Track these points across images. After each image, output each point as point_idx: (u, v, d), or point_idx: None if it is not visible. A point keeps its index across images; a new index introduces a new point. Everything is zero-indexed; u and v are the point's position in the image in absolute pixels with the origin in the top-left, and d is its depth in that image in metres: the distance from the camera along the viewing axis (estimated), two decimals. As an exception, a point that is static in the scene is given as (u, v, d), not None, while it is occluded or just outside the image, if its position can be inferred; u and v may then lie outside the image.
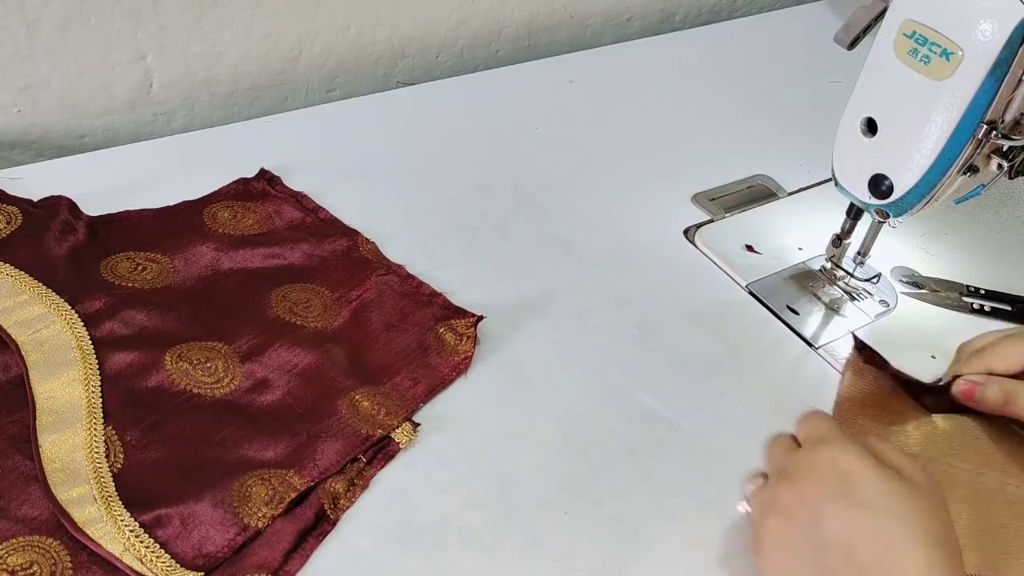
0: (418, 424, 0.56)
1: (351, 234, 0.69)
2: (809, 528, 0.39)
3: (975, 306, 0.70)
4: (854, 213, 0.67)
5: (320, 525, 0.50)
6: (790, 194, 0.81)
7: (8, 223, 0.62)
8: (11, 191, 0.66)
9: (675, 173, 0.81)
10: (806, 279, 0.72)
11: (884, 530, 0.37)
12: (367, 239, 0.68)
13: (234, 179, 0.72)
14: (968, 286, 0.72)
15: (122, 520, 0.47)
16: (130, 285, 0.61)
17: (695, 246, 0.74)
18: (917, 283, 0.71)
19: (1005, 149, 0.58)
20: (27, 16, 0.71)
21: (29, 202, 0.65)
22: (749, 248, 0.74)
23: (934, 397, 0.58)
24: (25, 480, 0.49)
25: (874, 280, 0.71)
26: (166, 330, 0.58)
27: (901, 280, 0.72)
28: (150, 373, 0.55)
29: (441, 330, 0.62)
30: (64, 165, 0.72)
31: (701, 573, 0.51)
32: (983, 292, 0.72)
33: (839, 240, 0.69)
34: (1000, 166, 0.58)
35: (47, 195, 0.66)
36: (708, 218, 0.77)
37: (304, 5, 0.83)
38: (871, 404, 0.58)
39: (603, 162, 0.82)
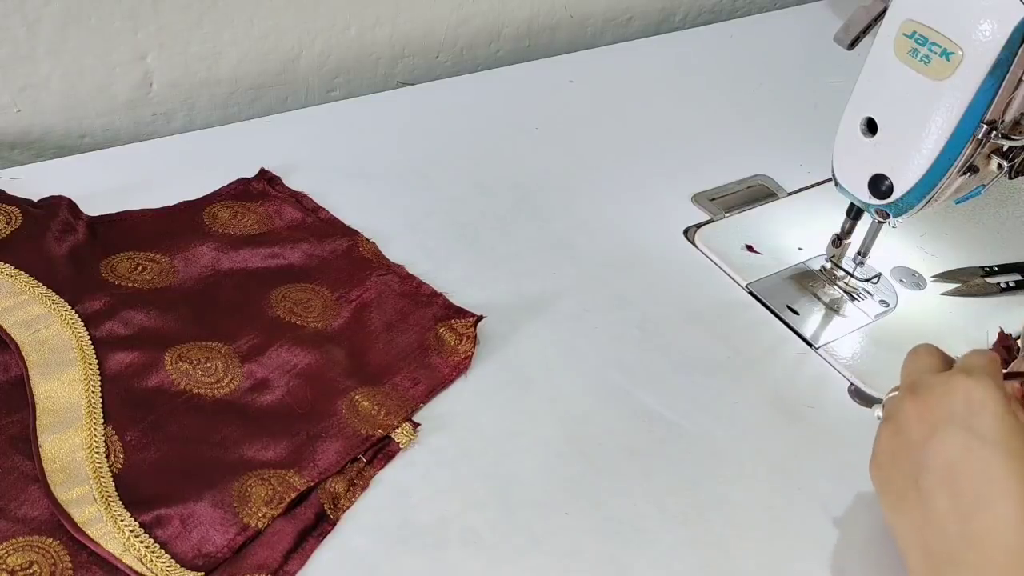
0: (418, 424, 0.56)
1: (351, 234, 0.69)
2: (919, 444, 0.40)
3: (1004, 284, 0.70)
4: (854, 213, 0.67)
5: (320, 525, 0.50)
6: (790, 194, 0.81)
7: (8, 223, 0.62)
8: (11, 191, 0.66)
9: (675, 173, 0.81)
10: (806, 279, 0.72)
11: (993, 464, 0.37)
12: (367, 239, 0.68)
13: (234, 179, 0.72)
14: (983, 267, 0.72)
15: (122, 520, 0.47)
16: (130, 285, 0.61)
17: (695, 246, 0.74)
18: (951, 279, 0.72)
19: (1005, 149, 0.58)
20: (27, 16, 0.71)
21: (29, 202, 0.65)
22: (749, 248, 0.74)
23: None
24: (25, 480, 0.49)
25: (874, 280, 0.71)
26: (166, 330, 0.58)
27: (933, 279, 0.72)
28: (150, 373, 0.55)
29: (441, 330, 0.62)
30: (64, 165, 0.72)
31: (701, 573, 0.51)
32: (997, 268, 0.72)
33: (839, 240, 0.69)
34: (1000, 166, 0.58)
35: (47, 195, 0.66)
36: (708, 218, 0.77)
37: (304, 5, 0.83)
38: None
39: (603, 162, 0.82)
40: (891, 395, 0.47)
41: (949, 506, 0.38)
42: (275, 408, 0.56)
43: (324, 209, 0.70)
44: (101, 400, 0.53)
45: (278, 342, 0.59)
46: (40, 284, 0.59)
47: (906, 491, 0.41)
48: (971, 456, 0.38)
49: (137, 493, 0.49)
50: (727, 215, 0.77)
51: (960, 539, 0.37)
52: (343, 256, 0.67)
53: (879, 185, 0.61)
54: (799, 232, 0.76)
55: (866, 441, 0.57)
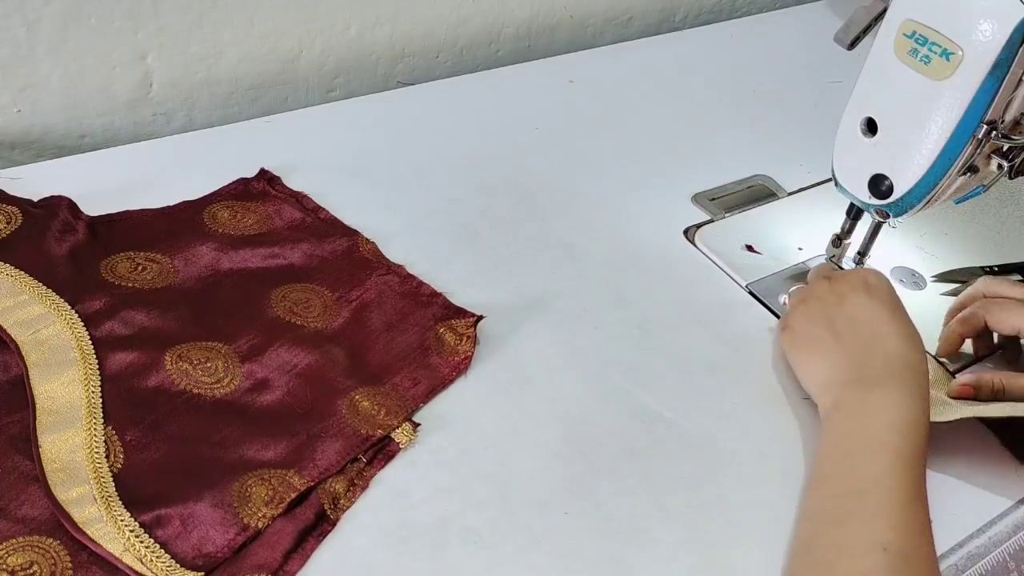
0: (418, 424, 0.56)
1: (351, 234, 0.69)
2: (832, 307, 0.59)
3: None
4: (854, 213, 0.67)
5: (320, 525, 0.50)
6: (790, 194, 0.81)
7: (8, 223, 0.62)
8: (11, 191, 0.66)
9: (675, 173, 0.81)
10: (806, 279, 0.72)
11: (883, 314, 0.58)
12: (367, 239, 0.68)
13: (234, 179, 0.72)
14: (983, 267, 0.72)
15: (122, 520, 0.47)
16: (130, 285, 0.61)
17: (695, 246, 0.74)
18: (951, 279, 0.72)
19: (1005, 149, 0.58)
20: (27, 16, 0.71)
21: (29, 202, 0.65)
22: (749, 248, 0.74)
23: None
24: (25, 480, 0.49)
25: (874, 280, 0.71)
26: (166, 330, 0.58)
27: (932, 279, 0.72)
28: (150, 373, 0.55)
29: (441, 330, 0.62)
30: (64, 165, 0.72)
31: (701, 573, 0.51)
32: (997, 269, 0.72)
33: (839, 240, 0.69)
34: (1000, 166, 0.58)
35: (47, 195, 0.66)
36: (708, 218, 0.77)
37: (304, 5, 0.83)
38: None
39: (603, 162, 0.82)
40: (794, 289, 0.67)
41: (855, 339, 0.57)
42: (275, 408, 0.56)
43: (324, 209, 0.70)
44: (101, 400, 0.53)
45: (278, 342, 0.59)
46: (40, 284, 0.59)
47: (818, 339, 0.59)
48: (870, 308, 0.58)
49: (137, 493, 0.49)
50: (727, 215, 0.77)
51: (865, 356, 0.56)
52: (343, 256, 0.67)
53: (879, 185, 0.61)
54: (799, 232, 0.76)
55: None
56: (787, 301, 0.66)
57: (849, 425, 0.53)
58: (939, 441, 0.56)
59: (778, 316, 0.68)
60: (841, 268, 0.69)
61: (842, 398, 0.55)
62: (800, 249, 0.74)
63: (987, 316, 0.63)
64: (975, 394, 0.59)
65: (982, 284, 0.65)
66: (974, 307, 0.64)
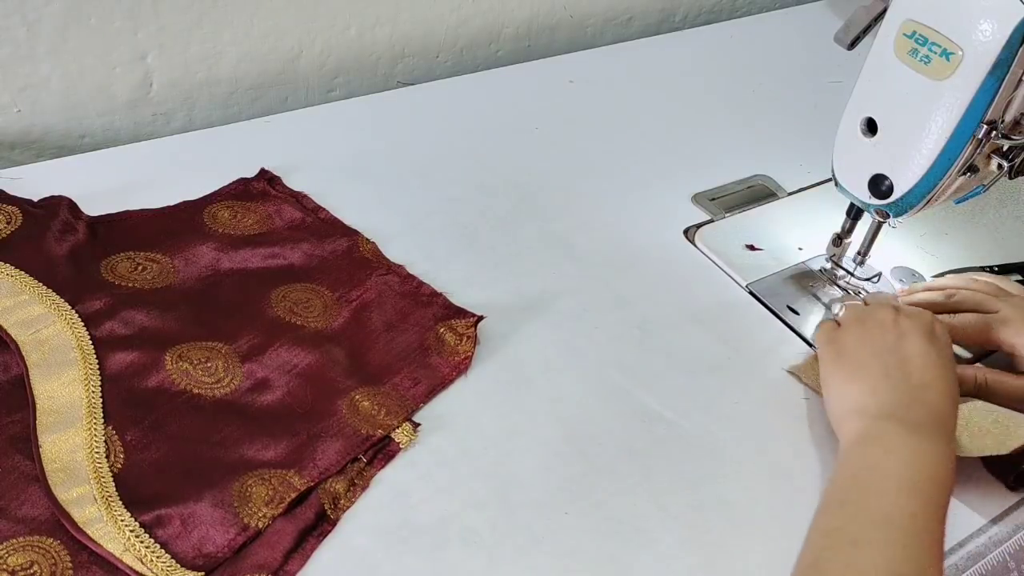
0: (418, 424, 0.56)
1: (351, 234, 0.69)
2: (891, 339, 0.59)
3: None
4: (854, 213, 0.67)
5: (320, 525, 0.50)
6: (790, 194, 0.81)
7: (8, 223, 0.62)
8: (11, 191, 0.66)
9: (675, 173, 0.81)
10: (806, 279, 0.72)
11: (938, 367, 0.57)
12: (367, 239, 0.68)
13: (234, 179, 0.72)
14: (984, 267, 0.72)
15: (122, 520, 0.47)
16: (130, 285, 0.61)
17: (695, 246, 0.74)
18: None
19: (1005, 149, 0.58)
20: (27, 16, 0.71)
21: (29, 202, 0.65)
22: (750, 247, 0.74)
23: None
24: (25, 480, 0.49)
25: (874, 280, 0.71)
26: (166, 330, 0.58)
27: (932, 279, 0.72)
28: (150, 373, 0.55)
29: (441, 330, 0.62)
30: (64, 165, 0.72)
31: (701, 573, 0.51)
32: (997, 269, 0.72)
33: (839, 240, 0.69)
34: (1000, 166, 0.58)
35: (47, 195, 0.66)
36: (708, 218, 0.77)
37: (304, 5, 0.83)
38: None
39: (603, 162, 0.82)
40: (851, 303, 0.64)
41: (904, 380, 0.57)
42: (275, 408, 0.56)
43: (324, 209, 0.70)
44: (101, 400, 0.53)
45: (278, 342, 0.59)
46: (40, 284, 0.59)
47: (865, 365, 0.58)
48: (927, 356, 0.58)
49: (137, 493, 0.49)
50: (727, 215, 0.77)
51: (910, 400, 0.56)
52: (343, 256, 0.67)
53: (879, 185, 0.61)
54: (799, 232, 0.76)
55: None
56: (838, 311, 0.64)
57: (882, 460, 0.53)
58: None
59: (778, 316, 0.68)
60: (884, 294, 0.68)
61: (877, 432, 0.54)
62: (800, 249, 0.74)
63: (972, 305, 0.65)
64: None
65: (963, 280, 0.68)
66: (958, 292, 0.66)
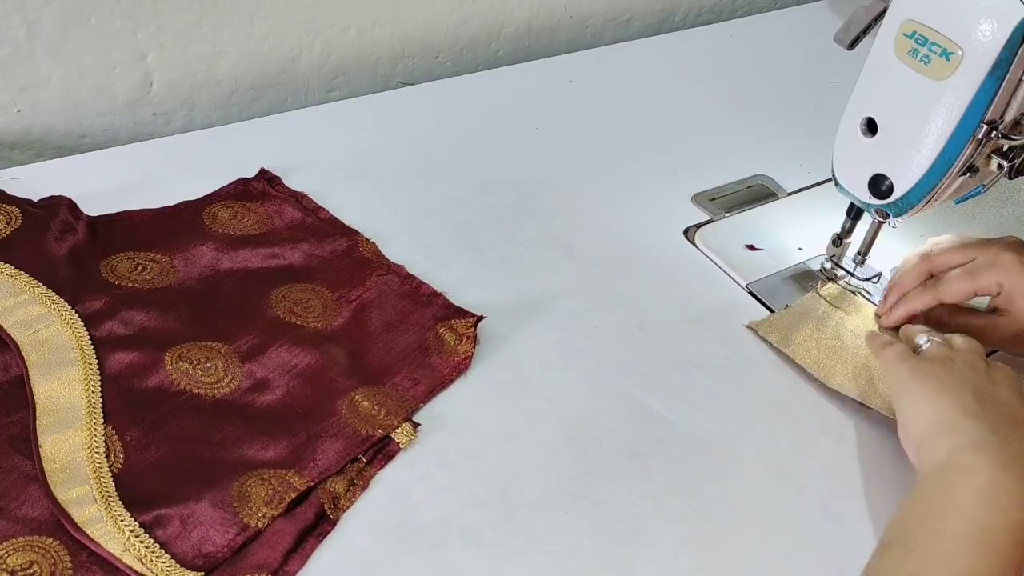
0: (418, 424, 0.56)
1: (351, 234, 0.69)
2: (981, 377, 0.55)
3: None
4: (854, 213, 0.67)
5: (320, 525, 0.50)
6: (790, 194, 0.81)
7: (8, 223, 0.62)
8: (11, 191, 0.66)
9: (675, 173, 0.81)
10: (806, 279, 0.72)
11: (1019, 414, 0.54)
12: (367, 239, 0.68)
13: (234, 179, 0.72)
14: None
15: (122, 520, 0.47)
16: (130, 285, 0.61)
17: (695, 246, 0.74)
18: None
19: (1005, 149, 0.58)
20: (27, 16, 0.71)
21: (29, 202, 0.65)
22: (750, 247, 0.74)
23: None
24: (25, 480, 0.49)
25: (874, 280, 0.71)
26: (166, 330, 0.58)
27: None
28: (150, 373, 0.55)
29: (441, 330, 0.62)
30: (64, 165, 0.72)
31: (701, 573, 0.51)
32: None
33: (839, 240, 0.69)
34: (1000, 166, 0.58)
35: (47, 195, 0.66)
36: (708, 218, 0.77)
37: (304, 5, 0.83)
38: None
39: (603, 162, 0.82)
40: (936, 338, 0.60)
41: (998, 412, 0.53)
42: (275, 408, 0.56)
43: (324, 209, 0.70)
44: (101, 400, 0.53)
45: (278, 342, 0.59)
46: (40, 284, 0.59)
47: (954, 383, 0.54)
48: (1013, 403, 0.54)
49: (137, 493, 0.49)
50: (727, 215, 0.77)
51: (1006, 426, 0.52)
52: (343, 256, 0.67)
53: (879, 185, 0.61)
54: (799, 232, 0.76)
55: (866, 442, 0.58)
56: (924, 344, 0.59)
57: (961, 497, 0.49)
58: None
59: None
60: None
61: (965, 463, 0.50)
62: (800, 249, 0.74)
63: (942, 297, 0.63)
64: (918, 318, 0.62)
65: (923, 260, 0.65)
66: (924, 295, 0.64)
